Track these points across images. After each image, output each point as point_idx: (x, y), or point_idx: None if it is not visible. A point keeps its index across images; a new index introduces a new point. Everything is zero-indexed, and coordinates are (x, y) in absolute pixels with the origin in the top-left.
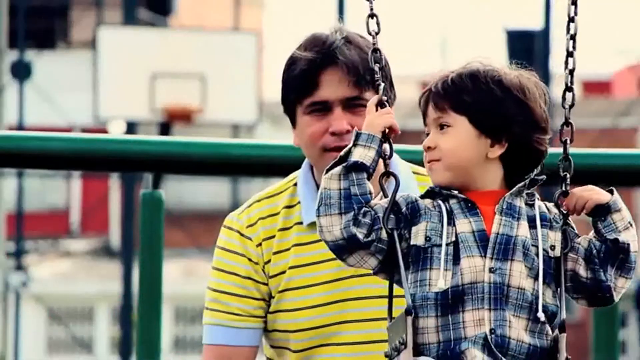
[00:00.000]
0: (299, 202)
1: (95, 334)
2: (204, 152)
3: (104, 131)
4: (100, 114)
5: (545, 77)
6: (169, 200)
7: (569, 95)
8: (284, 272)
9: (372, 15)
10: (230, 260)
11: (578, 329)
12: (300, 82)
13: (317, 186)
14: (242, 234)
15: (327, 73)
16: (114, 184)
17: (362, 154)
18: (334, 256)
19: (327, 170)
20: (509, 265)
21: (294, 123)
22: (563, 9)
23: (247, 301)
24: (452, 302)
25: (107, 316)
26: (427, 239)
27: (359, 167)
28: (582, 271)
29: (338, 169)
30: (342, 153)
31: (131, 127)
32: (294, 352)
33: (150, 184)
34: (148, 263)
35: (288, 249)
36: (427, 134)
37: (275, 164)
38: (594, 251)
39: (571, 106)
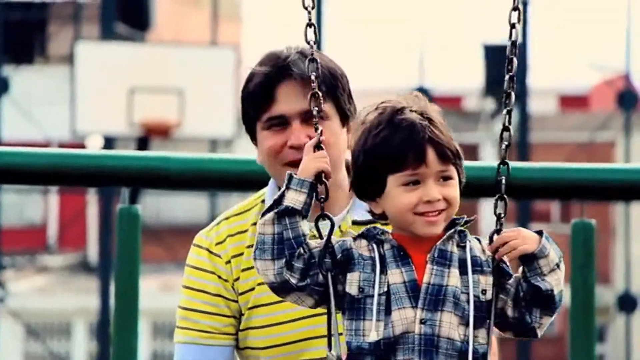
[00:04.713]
0: None
1: (72, 350)
2: (181, 167)
3: (82, 146)
4: (77, 129)
5: (523, 92)
6: (146, 214)
7: (505, 134)
8: (252, 289)
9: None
10: (199, 278)
11: (557, 343)
12: (257, 97)
13: None
14: (211, 252)
15: (283, 87)
16: (92, 199)
17: (293, 199)
18: None
19: (262, 215)
20: (439, 316)
21: (254, 140)
22: (540, 25)
23: (217, 318)
24: (384, 351)
25: (84, 331)
26: (360, 289)
27: (290, 211)
28: (510, 311)
29: (271, 214)
30: (275, 197)
31: (109, 142)
32: None
33: (127, 199)
34: (125, 278)
35: None
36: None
37: (253, 179)
38: (521, 294)
39: (507, 146)
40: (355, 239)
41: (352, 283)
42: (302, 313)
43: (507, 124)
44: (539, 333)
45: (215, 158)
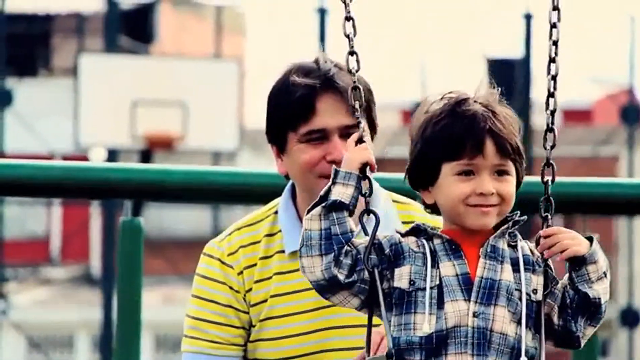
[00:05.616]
0: (279, 231)
1: None
2: (184, 180)
3: (85, 158)
4: (81, 142)
5: (526, 106)
6: (149, 227)
7: (550, 136)
8: (265, 301)
9: (352, 53)
10: (210, 288)
11: (559, 358)
12: (297, 108)
13: (299, 215)
14: (223, 262)
15: (325, 99)
16: (95, 211)
17: (341, 192)
18: None
19: (308, 211)
20: (492, 310)
21: (282, 151)
22: (543, 38)
23: (226, 329)
24: (435, 346)
25: (87, 344)
26: (412, 282)
27: (338, 206)
28: (555, 318)
29: (318, 209)
30: (321, 192)
31: (112, 155)
32: None
33: (129, 211)
34: (127, 291)
35: (269, 278)
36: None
37: (256, 192)
38: (567, 300)
39: (552, 147)
40: (403, 235)
41: (402, 277)
42: (315, 326)
43: (551, 125)
44: (582, 342)
45: (218, 171)
